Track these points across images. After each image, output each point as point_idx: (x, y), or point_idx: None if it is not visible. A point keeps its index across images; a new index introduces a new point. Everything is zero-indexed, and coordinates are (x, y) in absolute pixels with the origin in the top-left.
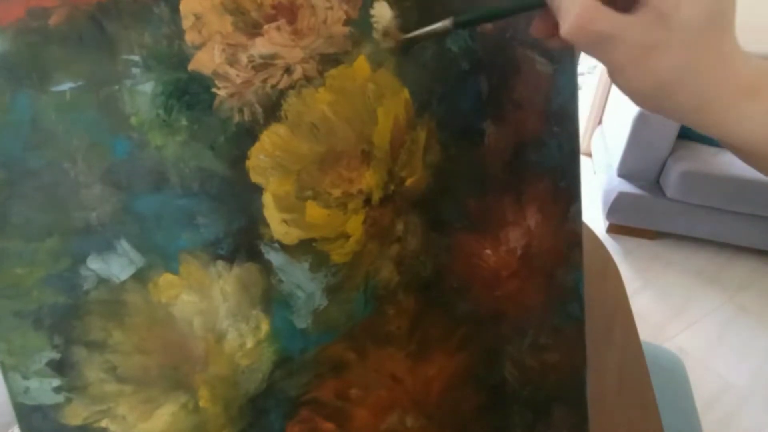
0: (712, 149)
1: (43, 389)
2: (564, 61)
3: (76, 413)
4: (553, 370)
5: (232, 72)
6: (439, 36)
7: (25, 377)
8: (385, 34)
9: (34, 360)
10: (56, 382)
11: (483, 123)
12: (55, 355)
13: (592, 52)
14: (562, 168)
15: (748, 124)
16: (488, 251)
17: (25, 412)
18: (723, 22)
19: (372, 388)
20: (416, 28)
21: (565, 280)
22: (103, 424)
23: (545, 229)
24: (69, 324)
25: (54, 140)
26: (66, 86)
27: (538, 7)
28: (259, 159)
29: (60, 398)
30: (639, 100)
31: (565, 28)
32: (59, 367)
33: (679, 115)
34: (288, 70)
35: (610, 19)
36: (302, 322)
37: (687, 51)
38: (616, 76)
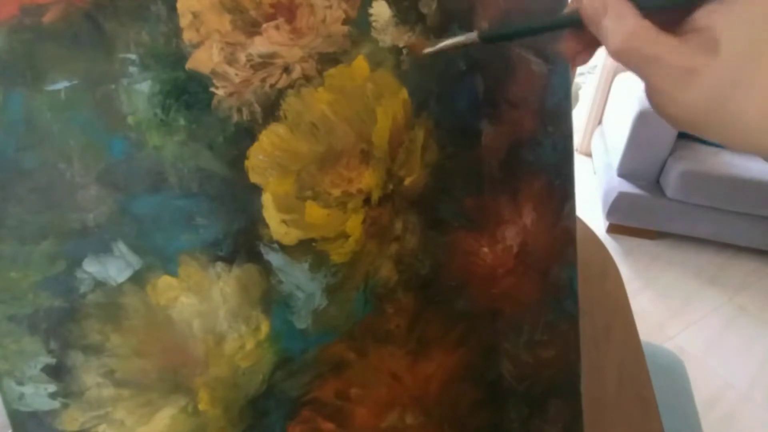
0: (712, 149)
1: (39, 395)
2: (558, 61)
3: (72, 419)
4: (548, 366)
5: (230, 71)
6: (462, 48)
7: (20, 383)
8: (409, 46)
9: (29, 365)
10: (52, 387)
11: (479, 122)
12: (51, 360)
13: (636, 72)
14: (556, 167)
15: None
16: (485, 249)
17: (20, 419)
18: None
19: (372, 386)
20: (413, 27)
21: (559, 276)
22: (101, 429)
23: (540, 226)
24: (65, 328)
25: (49, 140)
26: (61, 85)
27: (571, 27)
28: (258, 159)
29: (56, 404)
30: (681, 125)
31: (613, 47)
32: (55, 373)
33: (718, 139)
34: (287, 70)
35: (657, 40)
36: (302, 322)
37: (729, 78)
38: (658, 101)
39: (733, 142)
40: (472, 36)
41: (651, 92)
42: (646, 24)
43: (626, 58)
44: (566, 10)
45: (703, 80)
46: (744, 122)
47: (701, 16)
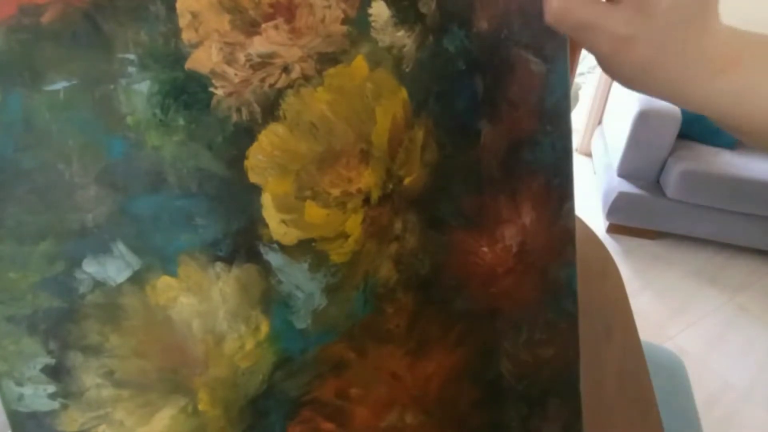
0: (712, 149)
1: (38, 396)
2: (557, 61)
3: (72, 420)
4: (547, 365)
5: (229, 71)
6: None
7: (19, 384)
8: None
9: (28, 366)
10: (51, 388)
11: (479, 122)
12: (50, 361)
13: (575, 38)
14: (555, 166)
15: (719, 98)
16: (484, 248)
17: (19, 420)
18: (706, 8)
19: (372, 386)
20: (412, 26)
21: (558, 276)
22: (101, 429)
23: (539, 226)
24: (64, 328)
25: (47, 140)
26: (60, 85)
27: None
28: (258, 159)
29: (55, 405)
30: (623, 83)
31: (548, 13)
32: (54, 373)
33: (661, 96)
34: (286, 69)
35: (591, 8)
36: (302, 322)
37: (666, 40)
38: (600, 62)
39: (674, 98)
40: None
41: (596, 57)
42: None
43: (563, 24)
44: None
45: (638, 46)
46: (681, 80)
47: None
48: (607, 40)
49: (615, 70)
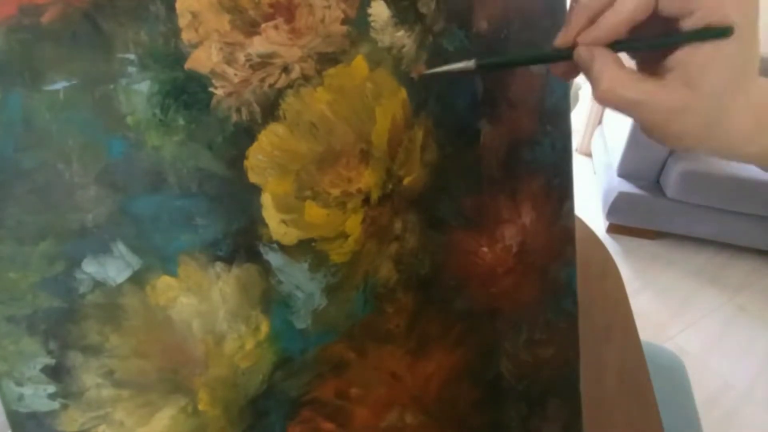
0: None
1: (38, 396)
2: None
3: (72, 420)
4: (547, 365)
5: (229, 71)
6: (460, 74)
7: (19, 384)
8: (410, 66)
9: (28, 366)
10: (51, 388)
11: (478, 122)
12: (50, 361)
13: (623, 113)
14: (555, 166)
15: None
16: (484, 248)
17: (19, 420)
18: (747, 73)
19: (372, 386)
20: (412, 26)
21: (558, 276)
22: (100, 430)
23: (539, 226)
24: (64, 329)
25: (47, 140)
26: (60, 85)
27: (562, 59)
28: (258, 159)
29: (55, 405)
30: (674, 148)
31: (596, 93)
32: (54, 373)
33: (711, 155)
34: (286, 69)
35: (639, 86)
36: (302, 322)
37: (713, 110)
38: (648, 133)
39: (725, 156)
40: (469, 64)
41: (643, 129)
42: (628, 71)
43: (612, 102)
44: (557, 43)
45: (686, 115)
46: (730, 141)
47: (682, 54)
48: (656, 115)
49: (665, 140)
